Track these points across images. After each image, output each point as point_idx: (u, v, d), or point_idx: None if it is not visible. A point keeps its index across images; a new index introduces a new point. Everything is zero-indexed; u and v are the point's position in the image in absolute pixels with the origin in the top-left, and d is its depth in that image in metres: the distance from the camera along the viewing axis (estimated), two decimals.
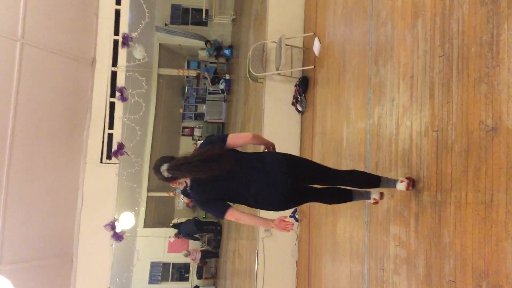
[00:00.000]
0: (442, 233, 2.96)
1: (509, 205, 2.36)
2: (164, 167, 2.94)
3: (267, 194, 3.06)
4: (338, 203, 3.70)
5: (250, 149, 4.67)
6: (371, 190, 3.53)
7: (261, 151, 3.41)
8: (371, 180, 3.42)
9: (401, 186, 3.33)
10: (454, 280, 2.79)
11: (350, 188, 3.49)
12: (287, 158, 3.21)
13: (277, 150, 3.40)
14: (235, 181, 3.05)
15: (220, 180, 3.01)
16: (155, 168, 3.01)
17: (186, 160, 2.93)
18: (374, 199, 3.55)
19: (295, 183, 3.12)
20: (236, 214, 3.09)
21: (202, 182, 3.01)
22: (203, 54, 17.20)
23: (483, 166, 2.58)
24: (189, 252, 15.83)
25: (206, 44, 16.49)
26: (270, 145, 3.38)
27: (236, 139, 3.17)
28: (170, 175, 2.97)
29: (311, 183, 3.36)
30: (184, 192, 15.09)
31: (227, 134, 3.19)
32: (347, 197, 3.49)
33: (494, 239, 2.46)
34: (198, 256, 15.72)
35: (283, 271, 7.04)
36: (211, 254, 16.07)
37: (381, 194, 3.58)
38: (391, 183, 3.41)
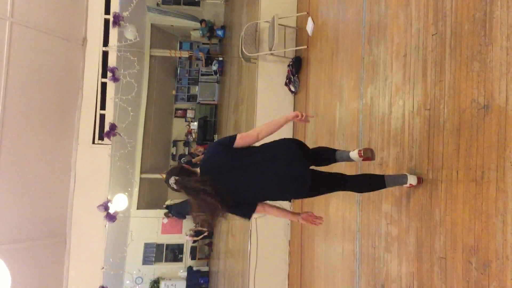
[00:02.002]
0: (433, 211, 2.99)
1: (500, 182, 2.38)
2: (172, 180, 2.91)
3: (285, 185, 2.98)
4: (372, 190, 3.45)
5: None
6: (407, 174, 3.27)
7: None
8: (377, 183, 3.23)
9: (353, 154, 3.24)
10: (444, 257, 2.83)
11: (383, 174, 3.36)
12: (296, 143, 3.14)
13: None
14: (250, 186, 2.98)
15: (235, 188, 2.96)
16: (166, 181, 2.99)
17: (195, 186, 2.83)
18: (411, 184, 3.21)
19: (310, 167, 3.06)
20: (264, 207, 3.09)
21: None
22: (195, 35, 17.02)
23: (475, 144, 2.60)
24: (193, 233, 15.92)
25: (201, 23, 16.29)
26: (289, 119, 3.13)
27: (246, 139, 3.04)
28: (177, 188, 2.94)
29: (317, 164, 3.28)
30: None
31: (236, 135, 3.05)
32: (380, 183, 3.22)
33: (484, 216, 2.49)
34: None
35: (276, 250, 7.11)
36: (201, 232, 16.17)
37: (418, 179, 3.23)
38: (399, 180, 3.24)
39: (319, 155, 3.37)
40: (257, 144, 3.12)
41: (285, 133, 7.25)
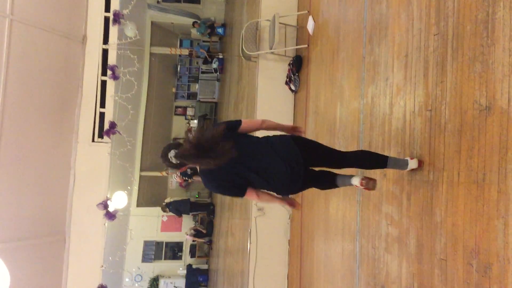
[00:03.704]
0: (434, 212, 2.97)
1: (501, 184, 2.37)
2: (171, 154, 2.88)
3: (280, 177, 3.02)
4: (326, 188, 3.51)
5: None
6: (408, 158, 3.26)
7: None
8: (379, 161, 3.25)
9: (412, 163, 3.19)
10: (445, 259, 2.81)
11: (335, 172, 3.34)
12: (297, 139, 3.15)
13: (271, 131, 3.34)
14: (246, 167, 2.99)
15: (231, 166, 2.92)
16: (163, 155, 2.95)
17: (194, 148, 2.73)
18: (356, 185, 3.17)
19: (307, 165, 3.09)
20: (257, 193, 3.10)
21: (212, 168, 2.91)
22: (195, 33, 17.00)
23: (476, 145, 2.58)
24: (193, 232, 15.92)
25: (193, 25, 16.29)
26: (288, 129, 3.28)
27: (249, 124, 3.14)
28: (178, 162, 2.90)
29: (320, 165, 3.27)
30: (184, 174, 15.11)
31: (241, 120, 3.12)
32: (332, 183, 3.29)
33: (485, 218, 2.47)
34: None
35: (275, 249, 7.10)
36: (201, 234, 16.17)
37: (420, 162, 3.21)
38: (400, 163, 3.26)
39: (322, 177, 3.35)
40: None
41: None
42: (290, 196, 3.51)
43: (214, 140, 2.69)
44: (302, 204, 6.44)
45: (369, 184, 3.08)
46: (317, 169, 3.34)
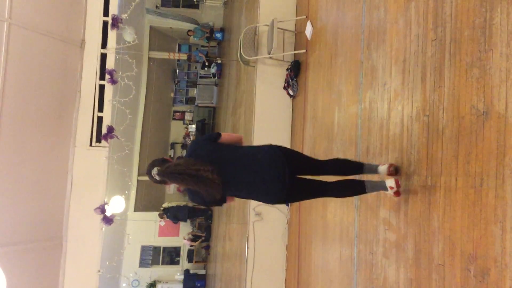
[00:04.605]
0: (432, 217, 2.97)
1: (499, 189, 2.37)
2: (154, 171, 2.94)
3: (265, 187, 3.05)
4: (353, 195, 3.62)
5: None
6: (386, 179, 3.32)
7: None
8: (354, 167, 3.43)
9: (382, 168, 3.35)
10: (442, 264, 2.81)
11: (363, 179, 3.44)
12: (283, 150, 3.19)
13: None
14: (231, 180, 3.02)
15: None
16: (147, 172, 3.03)
17: (177, 170, 2.86)
18: (391, 187, 3.25)
19: (294, 175, 3.11)
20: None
21: None
22: (193, 39, 17.05)
23: (474, 150, 2.59)
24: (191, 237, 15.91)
25: (188, 33, 16.37)
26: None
27: (229, 138, 3.24)
28: (160, 179, 2.96)
29: (302, 174, 3.30)
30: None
31: (220, 133, 3.23)
32: (360, 188, 3.33)
33: (483, 223, 2.47)
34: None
35: (273, 254, 7.08)
36: (199, 237, 16.15)
37: (396, 181, 3.27)
38: (373, 168, 3.43)
39: (337, 185, 3.39)
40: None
41: (284, 137, 7.25)
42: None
43: (199, 170, 2.81)
44: (300, 209, 6.44)
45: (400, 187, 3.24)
46: (335, 179, 3.39)
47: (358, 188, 3.34)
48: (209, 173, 2.82)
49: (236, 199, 3.32)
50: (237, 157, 3.09)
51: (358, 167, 3.44)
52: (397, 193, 3.30)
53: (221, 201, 3.18)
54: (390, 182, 3.25)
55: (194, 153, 3.11)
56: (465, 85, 2.71)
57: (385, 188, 3.29)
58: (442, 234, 2.84)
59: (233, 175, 3.03)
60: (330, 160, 3.53)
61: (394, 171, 3.36)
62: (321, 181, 3.33)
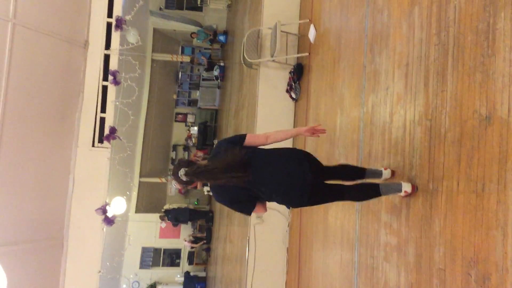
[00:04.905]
0: (433, 222, 2.97)
1: (501, 194, 2.37)
2: (182, 172, 2.93)
3: (289, 191, 3.05)
4: (368, 198, 3.61)
5: None
6: (402, 182, 3.31)
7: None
8: (357, 172, 3.49)
9: (386, 173, 3.44)
10: (443, 268, 2.81)
11: (377, 182, 3.44)
12: (306, 154, 3.22)
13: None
14: (256, 181, 3.01)
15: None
16: (174, 174, 3.01)
17: (206, 168, 2.89)
18: (406, 191, 3.24)
19: (316, 179, 3.11)
20: (264, 206, 3.19)
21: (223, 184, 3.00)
22: (196, 41, 17.08)
23: (476, 155, 2.59)
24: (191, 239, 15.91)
25: (191, 35, 16.42)
26: (306, 132, 3.24)
27: (255, 139, 3.17)
28: (188, 179, 2.96)
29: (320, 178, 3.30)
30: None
31: (246, 134, 3.17)
32: (375, 192, 3.33)
33: (484, 227, 2.47)
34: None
35: (274, 257, 7.07)
36: (200, 239, 16.14)
37: (413, 187, 3.25)
38: (378, 173, 3.50)
39: (353, 189, 3.40)
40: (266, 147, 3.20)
41: (286, 139, 7.24)
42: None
43: (232, 163, 2.86)
44: (301, 212, 6.43)
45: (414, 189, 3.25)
46: (351, 183, 3.42)
47: (373, 192, 3.34)
48: (240, 156, 2.86)
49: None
50: (261, 160, 3.08)
51: (360, 173, 3.50)
52: (408, 196, 3.33)
53: (250, 207, 3.14)
54: (407, 187, 3.23)
55: (219, 156, 3.07)
56: (468, 90, 2.71)
57: (399, 191, 3.26)
58: (443, 239, 2.84)
59: (258, 177, 3.01)
60: (336, 166, 3.59)
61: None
62: (339, 184, 3.34)
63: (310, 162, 3.14)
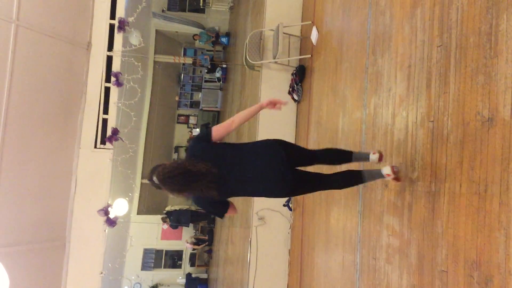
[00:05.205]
0: (435, 223, 2.97)
1: (503, 196, 2.36)
2: (154, 177, 2.89)
3: (266, 181, 3.03)
4: (352, 185, 3.65)
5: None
6: (382, 167, 3.36)
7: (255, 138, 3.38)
8: (344, 155, 3.49)
9: (373, 157, 3.42)
10: (446, 270, 2.80)
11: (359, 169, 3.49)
12: (281, 143, 3.17)
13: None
14: (230, 178, 2.99)
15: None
16: (149, 178, 2.97)
17: (168, 172, 2.81)
18: (387, 174, 3.29)
19: (294, 168, 3.10)
20: (233, 207, 3.15)
21: None
22: (199, 43, 17.11)
23: (478, 157, 2.58)
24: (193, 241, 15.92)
25: (193, 37, 16.46)
26: (268, 105, 3.17)
27: (220, 130, 3.10)
28: (158, 183, 2.91)
29: (301, 165, 3.29)
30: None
31: (211, 128, 3.10)
32: (359, 178, 3.40)
33: (487, 229, 2.47)
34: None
35: (275, 259, 7.07)
36: (202, 240, 16.14)
37: (392, 168, 3.31)
38: (363, 156, 3.51)
39: (337, 177, 3.41)
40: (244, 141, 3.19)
41: (287, 139, 7.24)
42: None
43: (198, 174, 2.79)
44: (303, 214, 6.43)
45: (399, 172, 3.34)
46: (342, 169, 3.48)
47: (356, 179, 3.40)
48: (204, 167, 2.80)
49: (237, 206, 3.29)
50: (234, 155, 3.05)
51: (347, 156, 3.48)
52: (397, 179, 3.38)
53: (222, 209, 3.12)
54: (386, 169, 3.30)
55: (194, 156, 3.02)
56: (470, 91, 2.71)
57: (382, 176, 3.33)
58: (445, 240, 2.83)
59: (233, 172, 2.98)
60: (321, 150, 3.56)
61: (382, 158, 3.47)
62: (321, 173, 3.35)
63: (285, 149, 3.08)
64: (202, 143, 3.09)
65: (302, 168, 3.25)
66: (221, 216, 3.20)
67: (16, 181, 5.79)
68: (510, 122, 2.36)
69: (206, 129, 3.13)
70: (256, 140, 3.33)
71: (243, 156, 3.06)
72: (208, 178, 2.82)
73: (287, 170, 3.02)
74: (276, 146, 3.11)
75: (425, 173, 3.17)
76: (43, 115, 6.20)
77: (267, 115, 7.29)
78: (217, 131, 3.08)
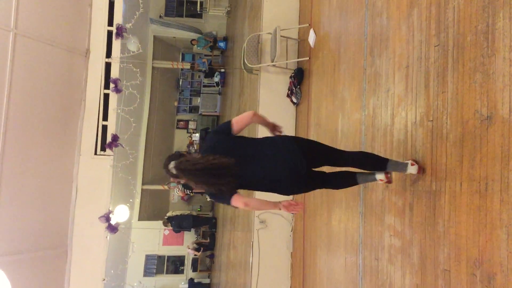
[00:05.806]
0: (437, 223, 2.97)
1: (504, 193, 2.36)
2: (171, 165, 2.91)
3: (281, 179, 3.04)
4: (346, 187, 3.64)
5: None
6: (376, 174, 3.32)
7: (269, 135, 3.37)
8: (379, 162, 3.28)
9: (412, 169, 3.16)
10: (448, 269, 2.80)
11: (355, 171, 3.40)
12: (298, 140, 3.19)
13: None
14: (247, 170, 3.00)
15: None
16: (165, 166, 2.99)
17: (191, 165, 2.84)
18: (380, 179, 3.28)
19: (308, 166, 3.10)
20: (243, 200, 3.02)
21: None
22: (197, 48, 17.14)
23: (478, 155, 2.59)
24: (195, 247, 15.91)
25: (191, 42, 16.50)
26: (271, 126, 3.29)
27: (240, 123, 3.12)
28: (177, 173, 2.93)
29: (320, 165, 3.29)
30: (186, 187, 15.12)
31: (230, 121, 3.11)
32: (351, 181, 3.39)
33: (488, 227, 2.47)
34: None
35: (278, 262, 7.06)
36: (203, 245, 16.12)
37: (386, 176, 3.28)
38: (400, 166, 3.26)
39: (335, 177, 3.42)
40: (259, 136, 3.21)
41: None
42: (292, 197, 3.53)
43: (221, 170, 2.81)
44: (304, 216, 6.42)
45: (391, 177, 3.31)
46: (338, 169, 3.45)
47: (350, 180, 3.40)
48: (226, 162, 2.82)
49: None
50: (253, 149, 3.08)
51: (383, 163, 3.27)
52: (388, 182, 3.36)
53: (228, 196, 3.04)
54: (380, 176, 3.28)
55: (210, 150, 3.03)
56: (468, 90, 2.72)
57: (375, 180, 3.33)
58: (447, 239, 2.83)
59: (250, 166, 3.01)
60: (354, 152, 3.50)
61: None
62: (323, 172, 3.36)
63: (303, 151, 3.07)
64: (221, 135, 3.11)
65: (317, 169, 3.28)
66: (228, 203, 3.10)
67: (16, 190, 5.79)
68: (508, 120, 2.37)
69: (226, 124, 3.13)
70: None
71: (262, 150, 3.08)
72: (231, 172, 2.84)
73: (302, 170, 3.03)
74: (294, 145, 3.10)
75: (425, 173, 3.17)
76: (43, 123, 6.20)
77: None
78: (237, 124, 3.11)
